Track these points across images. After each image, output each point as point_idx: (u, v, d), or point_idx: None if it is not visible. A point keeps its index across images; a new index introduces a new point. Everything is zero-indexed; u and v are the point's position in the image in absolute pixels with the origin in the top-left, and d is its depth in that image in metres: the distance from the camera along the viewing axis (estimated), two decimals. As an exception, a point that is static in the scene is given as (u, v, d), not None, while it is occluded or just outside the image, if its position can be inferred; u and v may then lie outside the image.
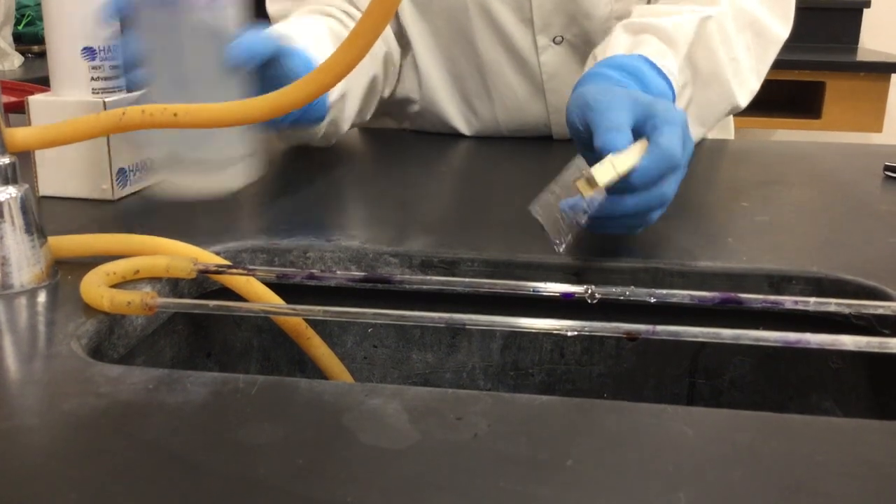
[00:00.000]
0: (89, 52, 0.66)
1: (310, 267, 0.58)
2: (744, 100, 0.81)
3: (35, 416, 0.36)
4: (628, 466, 0.32)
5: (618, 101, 0.57)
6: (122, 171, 0.69)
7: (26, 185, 0.49)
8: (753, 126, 2.31)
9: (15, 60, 1.81)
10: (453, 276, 0.56)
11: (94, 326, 0.45)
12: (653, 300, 0.46)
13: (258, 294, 0.53)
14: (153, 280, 0.51)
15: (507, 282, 0.48)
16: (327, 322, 0.61)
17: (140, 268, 0.50)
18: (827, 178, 0.82)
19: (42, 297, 0.48)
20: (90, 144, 0.66)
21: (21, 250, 0.49)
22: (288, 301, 0.54)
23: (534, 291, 0.46)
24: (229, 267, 0.50)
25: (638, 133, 0.55)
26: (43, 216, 0.51)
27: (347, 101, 0.82)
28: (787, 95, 2.33)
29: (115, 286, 0.48)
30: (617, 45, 0.74)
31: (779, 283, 0.55)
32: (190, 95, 0.55)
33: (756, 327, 0.42)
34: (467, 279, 0.50)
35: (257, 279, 0.53)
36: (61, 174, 0.69)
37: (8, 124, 0.50)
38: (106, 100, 0.66)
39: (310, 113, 0.76)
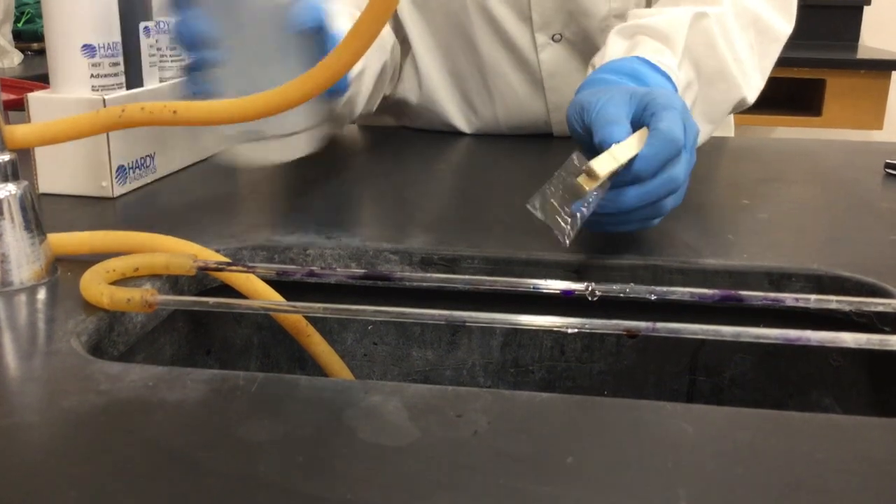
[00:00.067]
0: (89, 49, 0.66)
1: (310, 264, 0.58)
2: (751, 95, 0.81)
3: (35, 413, 0.36)
4: (628, 463, 0.32)
5: (613, 97, 0.57)
6: (121, 169, 0.69)
7: (26, 183, 0.49)
8: (754, 123, 2.31)
9: (14, 58, 1.81)
10: (453, 273, 0.56)
11: (93, 324, 0.45)
12: (653, 297, 0.46)
13: (258, 291, 0.53)
14: (153, 277, 0.51)
15: (507, 279, 0.48)
16: (327, 319, 0.61)
17: (140, 265, 0.50)
18: (827, 176, 0.81)
19: (42, 295, 0.48)
20: (90, 142, 0.66)
21: (20, 247, 0.49)
22: (288, 298, 0.54)
23: (534, 288, 0.46)
24: (229, 264, 0.50)
25: (638, 125, 0.55)
26: (42, 213, 0.51)
27: (364, 79, 0.82)
28: (787, 93, 2.33)
29: (114, 283, 0.48)
30: (613, 50, 0.75)
31: (779, 280, 0.55)
32: (256, 69, 0.57)
33: (756, 324, 0.41)
34: (467, 276, 0.50)
35: (257, 276, 0.53)
36: (61, 171, 0.69)
37: (8, 121, 0.50)
38: (105, 97, 0.66)
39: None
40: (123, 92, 0.69)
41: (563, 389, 0.61)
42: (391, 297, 0.57)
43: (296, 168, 0.84)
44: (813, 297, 0.46)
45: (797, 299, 0.46)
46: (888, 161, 0.81)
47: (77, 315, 0.45)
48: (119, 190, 0.69)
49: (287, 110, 0.49)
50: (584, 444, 0.34)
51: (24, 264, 0.49)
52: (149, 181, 0.73)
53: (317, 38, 0.64)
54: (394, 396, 0.37)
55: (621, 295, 0.46)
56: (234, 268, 0.50)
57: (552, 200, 0.50)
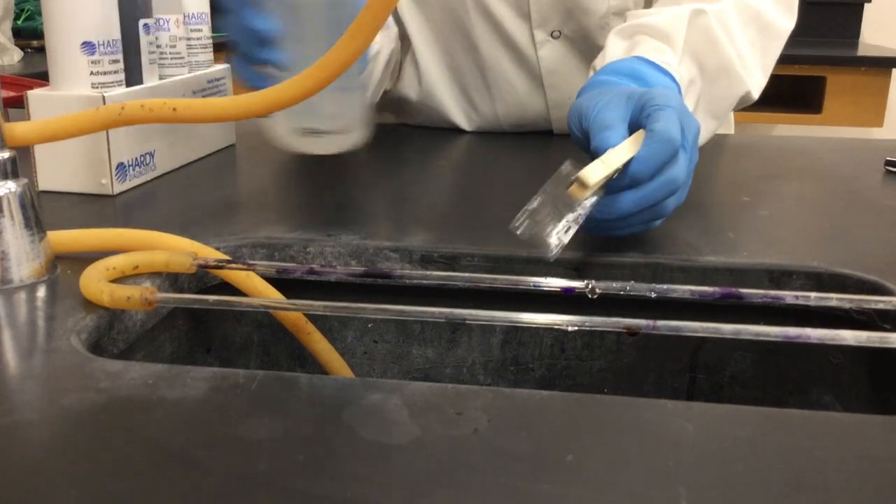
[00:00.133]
0: (89, 46, 0.66)
1: (310, 262, 0.58)
2: (755, 90, 0.81)
3: (34, 411, 0.36)
4: (628, 461, 0.32)
5: (610, 102, 0.57)
6: (121, 166, 0.69)
7: (25, 180, 0.49)
8: (754, 121, 2.31)
9: (14, 55, 1.81)
10: (454, 271, 0.56)
11: (93, 321, 0.45)
12: (653, 295, 0.46)
13: (258, 289, 0.53)
14: (153, 275, 0.51)
15: (507, 277, 0.48)
16: (327, 317, 0.61)
17: (139, 263, 0.50)
18: (828, 173, 0.81)
19: (41, 292, 0.48)
20: (89, 139, 0.66)
21: (20, 245, 0.49)
22: (288, 296, 0.54)
23: (534, 286, 0.46)
24: (229, 262, 0.50)
25: (637, 126, 0.55)
26: (42, 211, 0.51)
27: (378, 61, 0.82)
28: (787, 90, 2.33)
29: (114, 281, 0.48)
30: (613, 51, 0.74)
31: (779, 277, 0.55)
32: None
33: (757, 322, 0.41)
34: (468, 274, 0.50)
35: (257, 274, 0.53)
36: (61, 169, 0.69)
37: (7, 119, 0.50)
38: (105, 94, 0.66)
39: None
40: (123, 89, 0.69)
41: (564, 387, 0.61)
42: (391, 294, 0.57)
43: (296, 165, 0.84)
44: (813, 294, 0.46)
45: (797, 297, 0.46)
46: (888, 158, 0.81)
47: (77, 313, 0.45)
48: (119, 187, 0.69)
49: (286, 108, 0.49)
50: (585, 442, 0.34)
51: (24, 262, 0.49)
52: (149, 179, 0.73)
53: None
54: (394, 394, 0.37)
55: (621, 293, 0.46)
56: (233, 265, 0.50)
57: (539, 215, 0.49)
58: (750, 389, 0.59)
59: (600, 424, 0.35)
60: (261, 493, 0.30)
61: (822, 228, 0.65)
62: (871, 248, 0.58)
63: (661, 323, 0.41)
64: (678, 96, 0.58)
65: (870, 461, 0.33)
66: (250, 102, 0.49)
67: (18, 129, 0.51)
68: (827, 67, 2.22)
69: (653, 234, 0.59)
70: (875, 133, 2.33)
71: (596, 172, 0.50)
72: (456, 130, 0.98)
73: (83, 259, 0.50)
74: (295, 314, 0.55)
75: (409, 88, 0.97)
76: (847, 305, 0.46)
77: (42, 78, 1.28)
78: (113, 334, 0.47)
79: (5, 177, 0.48)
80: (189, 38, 0.80)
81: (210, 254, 0.52)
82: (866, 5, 2.58)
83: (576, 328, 0.42)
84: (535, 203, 0.49)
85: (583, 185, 0.49)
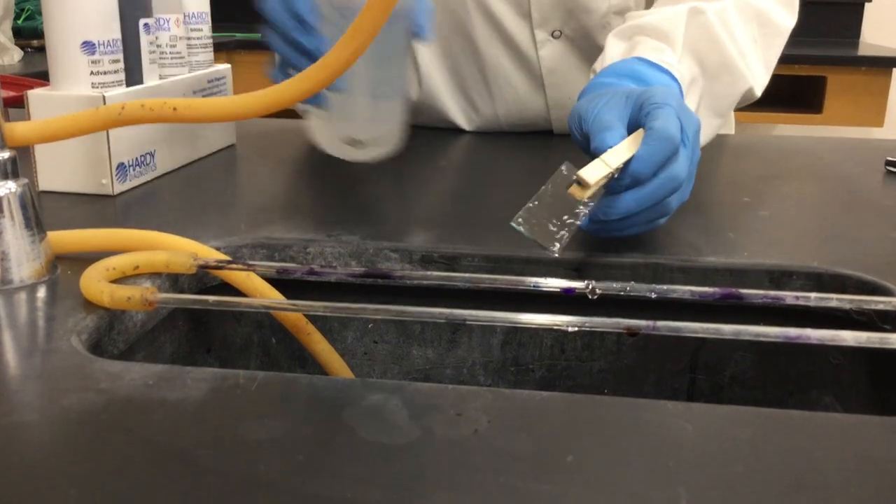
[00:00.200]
0: (89, 46, 0.66)
1: (310, 262, 0.58)
2: (757, 87, 0.80)
3: (35, 411, 0.36)
4: (629, 462, 0.32)
5: (609, 102, 0.57)
6: (121, 166, 0.69)
7: (26, 180, 0.49)
8: (754, 121, 2.31)
9: (14, 55, 1.81)
10: (454, 271, 0.56)
11: (93, 322, 0.45)
12: (653, 296, 0.46)
13: (258, 289, 0.53)
14: (153, 275, 0.51)
15: (507, 277, 0.48)
16: (327, 318, 0.61)
17: (140, 263, 0.50)
18: (828, 173, 0.81)
19: (41, 293, 0.48)
20: (90, 139, 0.66)
21: (20, 245, 0.49)
22: (288, 296, 0.54)
23: (534, 287, 0.46)
24: (229, 262, 0.50)
25: (636, 126, 0.55)
26: (42, 211, 0.51)
27: None
28: (788, 90, 2.33)
29: (114, 281, 0.48)
30: (612, 53, 0.74)
31: (779, 278, 0.55)
32: (375, 73, 0.61)
33: (757, 323, 0.41)
34: (468, 275, 0.50)
35: (257, 274, 0.53)
36: (61, 169, 0.69)
37: (7, 119, 0.50)
38: (105, 94, 0.66)
39: None
40: (123, 89, 0.69)
41: (564, 388, 0.61)
42: (391, 295, 0.57)
43: (296, 166, 0.84)
44: (813, 295, 0.46)
45: (797, 297, 0.46)
46: (889, 158, 0.81)
47: (77, 313, 0.45)
48: (119, 187, 0.69)
49: (284, 108, 0.49)
50: (585, 443, 0.34)
51: (24, 262, 0.49)
52: (149, 179, 0.73)
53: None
54: (394, 395, 0.37)
55: (622, 293, 0.46)
56: (234, 266, 0.50)
57: (540, 213, 0.49)
58: (750, 390, 0.59)
59: (600, 425, 0.35)
60: (261, 494, 0.30)
61: (822, 229, 0.65)
62: (871, 249, 0.58)
63: (661, 323, 0.41)
64: (677, 94, 0.58)
65: (870, 462, 0.33)
66: (251, 102, 0.49)
67: (18, 129, 0.51)
68: (827, 67, 2.22)
69: (653, 235, 0.59)
70: (875, 133, 2.33)
71: (596, 172, 0.50)
72: (456, 130, 0.98)
73: (83, 259, 0.50)
74: (295, 315, 0.55)
75: (409, 88, 0.97)
76: (847, 306, 0.46)
77: (42, 78, 1.28)
78: (113, 335, 0.47)
79: (5, 177, 0.48)
80: (189, 38, 0.80)
81: (210, 254, 0.52)
82: (867, 5, 2.58)
83: (576, 329, 0.42)
84: (534, 202, 0.49)
85: (583, 184, 0.49)
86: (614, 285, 0.46)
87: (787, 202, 0.72)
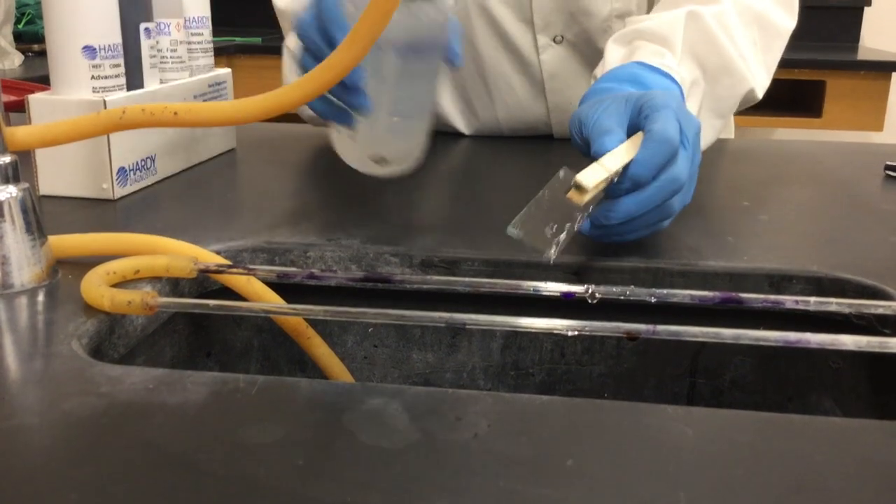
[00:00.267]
0: (89, 50, 0.66)
1: (310, 266, 0.58)
2: (759, 88, 0.80)
3: (35, 415, 0.36)
4: (629, 466, 0.32)
5: (609, 107, 0.57)
6: (122, 171, 0.69)
7: (26, 185, 0.49)
8: (754, 125, 2.31)
9: (15, 59, 1.81)
10: (454, 275, 0.56)
11: (94, 326, 0.45)
12: (653, 300, 0.46)
13: (258, 294, 0.53)
14: (153, 280, 0.51)
15: (507, 281, 0.48)
16: (328, 322, 0.61)
17: (140, 267, 0.50)
18: (827, 178, 0.82)
19: (42, 297, 0.48)
20: (90, 143, 0.66)
21: (21, 250, 0.49)
22: (288, 301, 0.54)
23: (534, 291, 0.46)
24: (229, 266, 0.50)
25: (636, 129, 0.55)
26: (43, 215, 0.51)
27: None
28: (787, 94, 2.33)
29: (115, 286, 0.48)
30: (612, 58, 0.75)
31: (779, 282, 0.55)
32: (401, 91, 0.61)
33: (756, 327, 0.41)
34: (468, 279, 0.50)
35: (258, 279, 0.53)
36: (61, 173, 0.69)
37: (8, 123, 0.50)
38: (106, 98, 0.66)
39: None
40: (124, 93, 0.69)
41: (564, 392, 0.61)
42: (391, 299, 0.57)
43: (296, 170, 0.84)
44: (813, 299, 0.46)
45: (797, 301, 0.46)
46: (888, 163, 0.81)
47: (77, 317, 0.45)
48: (120, 192, 0.69)
49: (284, 112, 0.49)
50: (585, 447, 0.34)
51: (25, 266, 0.49)
52: (149, 183, 0.73)
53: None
54: (394, 399, 0.37)
55: (621, 297, 0.46)
56: (234, 270, 0.50)
57: (537, 218, 0.48)
58: (750, 394, 0.59)
59: (600, 429, 0.35)
60: (261, 498, 0.30)
61: (821, 233, 0.65)
62: (870, 253, 0.58)
63: (661, 328, 0.41)
64: (677, 97, 0.58)
65: (870, 466, 0.33)
66: (251, 106, 0.49)
67: (19, 134, 0.51)
68: (827, 71, 2.22)
69: (652, 239, 0.59)
70: (875, 137, 2.34)
71: (593, 176, 0.50)
72: (456, 134, 0.98)
73: (84, 263, 0.50)
74: (295, 319, 0.55)
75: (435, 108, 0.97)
76: (847, 310, 0.46)
77: (43, 82, 1.28)
78: (113, 339, 0.47)
79: (6, 181, 0.48)
80: (190, 42, 0.80)
81: (211, 258, 0.52)
82: (866, 9, 2.58)
83: (576, 333, 0.42)
84: (532, 207, 0.49)
85: (580, 189, 0.49)
86: (614, 289, 0.46)
87: (786, 206, 0.72)
